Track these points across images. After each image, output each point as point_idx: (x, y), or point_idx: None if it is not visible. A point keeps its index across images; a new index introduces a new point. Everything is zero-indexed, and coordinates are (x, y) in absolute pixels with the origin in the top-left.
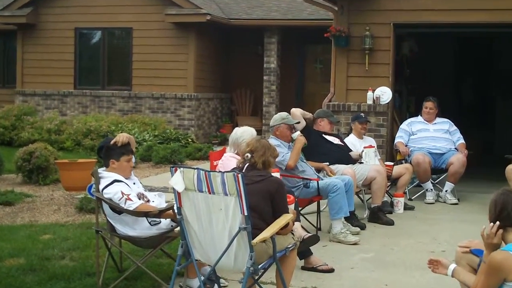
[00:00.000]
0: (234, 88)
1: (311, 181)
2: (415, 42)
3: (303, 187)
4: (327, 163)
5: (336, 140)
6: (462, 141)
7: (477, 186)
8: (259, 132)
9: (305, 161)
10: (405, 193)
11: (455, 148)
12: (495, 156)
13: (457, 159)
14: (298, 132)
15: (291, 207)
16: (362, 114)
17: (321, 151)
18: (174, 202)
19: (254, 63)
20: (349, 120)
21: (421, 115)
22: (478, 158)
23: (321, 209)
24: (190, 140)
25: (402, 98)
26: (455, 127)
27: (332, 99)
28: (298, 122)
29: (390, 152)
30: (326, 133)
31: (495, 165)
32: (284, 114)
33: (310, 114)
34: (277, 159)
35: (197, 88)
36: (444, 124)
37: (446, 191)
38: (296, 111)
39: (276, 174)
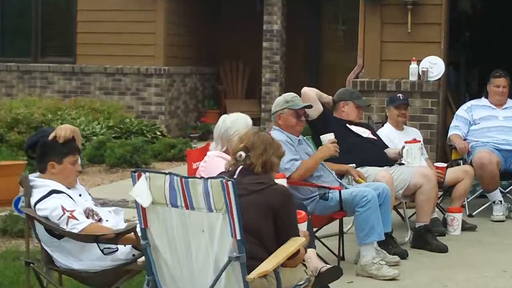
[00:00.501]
0: (221, 59)
1: (331, 191)
2: None
3: (320, 199)
4: (353, 165)
5: (366, 133)
6: None
7: None
8: (256, 121)
9: (322, 162)
10: (463, 206)
11: None
12: None
13: None
14: (331, 136)
15: (303, 227)
16: (400, 95)
17: (345, 147)
18: (137, 222)
19: (250, 24)
20: (384, 104)
21: (486, 97)
22: None
23: (345, 230)
24: (159, 133)
25: (460, 73)
26: None
27: (359, 75)
28: (310, 106)
29: (442, 149)
30: (351, 123)
31: None
32: (289, 95)
33: (330, 97)
34: (281, 165)
35: (169, 60)
36: None
37: None
38: (310, 91)
39: (282, 181)
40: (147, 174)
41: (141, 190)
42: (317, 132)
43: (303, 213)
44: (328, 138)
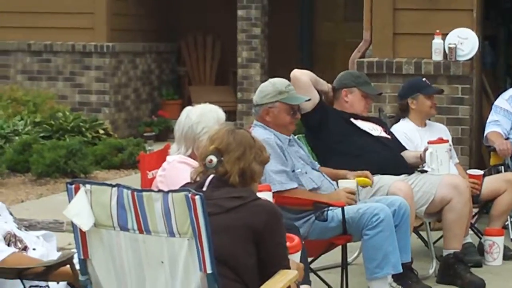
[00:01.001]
0: (184, 33)
1: (331, 208)
2: None
3: (316, 219)
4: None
5: (376, 130)
6: None
7: None
8: (231, 115)
9: (318, 169)
10: (505, 228)
11: None
12: None
13: None
14: (352, 184)
15: (295, 257)
16: (425, 79)
17: (350, 150)
18: (74, 251)
19: None
20: (398, 92)
21: None
22: None
23: (350, 260)
24: (102, 131)
25: (499, 51)
26: None
27: (366, 53)
28: (309, 99)
29: (477, 152)
30: (357, 116)
31: None
32: (281, 83)
33: (329, 85)
34: (268, 177)
35: (114, 34)
36: None
37: None
38: (302, 76)
39: (267, 195)
40: (88, 186)
41: (80, 208)
42: (311, 129)
43: (296, 238)
44: (345, 185)
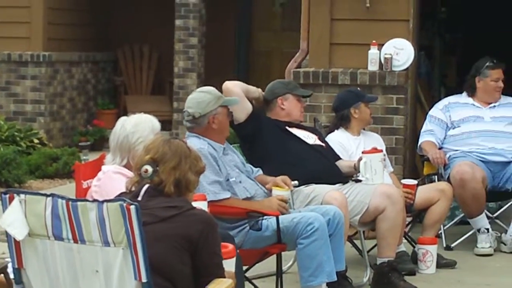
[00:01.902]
0: (121, 43)
1: (266, 217)
2: None
3: (250, 228)
4: (296, 182)
5: (311, 138)
6: None
7: None
8: (167, 124)
9: (252, 177)
10: (438, 237)
11: None
12: None
13: None
14: (285, 193)
15: (230, 265)
16: (359, 89)
17: (285, 158)
18: (8, 260)
19: None
20: (335, 103)
21: (469, 93)
22: None
23: (285, 269)
24: (37, 141)
25: (434, 61)
26: None
27: (303, 63)
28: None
29: (411, 161)
30: (292, 124)
31: None
32: (213, 89)
33: (259, 90)
34: (202, 187)
35: (50, 44)
36: (511, 108)
37: None
38: (234, 87)
39: (202, 205)
40: (22, 196)
41: (14, 217)
42: (246, 139)
43: (230, 246)
44: (278, 193)
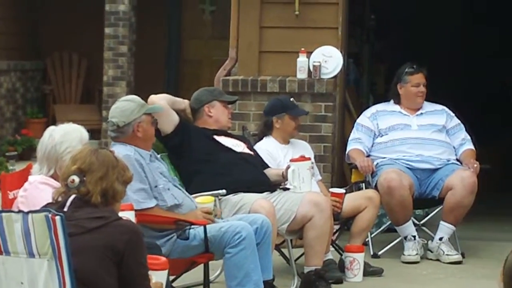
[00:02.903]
0: (50, 51)
1: (193, 226)
2: None
3: (178, 237)
4: (224, 191)
5: (240, 146)
6: (469, 146)
7: (498, 230)
8: (96, 133)
9: (179, 186)
10: (366, 244)
11: (457, 160)
12: None
13: (461, 181)
14: (209, 206)
15: (161, 277)
16: (293, 99)
17: (214, 168)
18: None
19: (88, 4)
20: (262, 111)
21: (395, 100)
22: (500, 178)
23: (212, 278)
24: None
25: (362, 68)
26: (457, 121)
27: (232, 71)
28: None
29: (339, 169)
30: (220, 132)
31: None
32: (136, 97)
33: (186, 102)
34: (128, 195)
35: None
36: (438, 116)
37: (440, 239)
38: (160, 101)
39: (129, 214)
40: None
41: None
42: (173, 150)
43: (162, 259)
44: (202, 205)
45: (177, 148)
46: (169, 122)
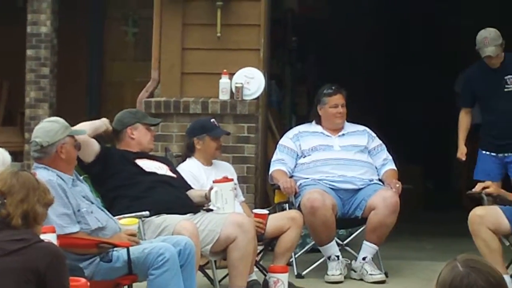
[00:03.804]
0: None
1: (116, 249)
2: None
3: (101, 260)
4: (147, 213)
5: (162, 169)
6: (391, 166)
7: (420, 249)
8: (18, 156)
9: (103, 207)
10: (290, 265)
11: (380, 180)
12: (452, 192)
13: (383, 200)
14: (133, 228)
15: None
16: (213, 120)
17: (135, 192)
18: None
19: (9, 25)
20: (185, 132)
21: (317, 121)
22: (422, 197)
23: None
24: None
25: (285, 89)
26: (378, 141)
27: (154, 92)
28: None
29: (262, 190)
30: (142, 155)
31: (452, 210)
32: (60, 119)
33: (106, 121)
34: (50, 220)
35: None
36: (360, 136)
37: (364, 259)
38: (81, 127)
39: (51, 237)
40: None
41: None
42: (96, 176)
43: (82, 280)
44: (127, 227)
45: (99, 175)
46: (90, 152)
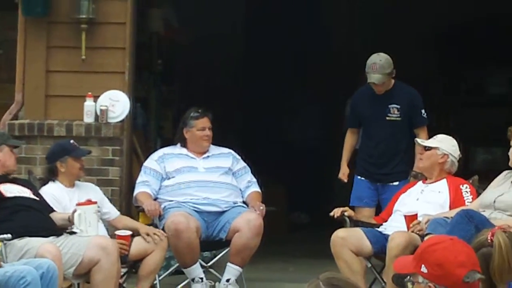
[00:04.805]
0: None
1: None
2: (174, 11)
3: None
4: (9, 236)
5: (24, 192)
6: (255, 188)
7: (283, 270)
8: None
9: None
10: (153, 287)
11: (244, 202)
12: (324, 213)
13: (247, 223)
14: None
15: None
16: (73, 141)
17: None
18: None
19: None
20: (46, 155)
21: (182, 144)
22: (289, 219)
23: None
24: None
25: (150, 112)
26: (243, 164)
27: (18, 115)
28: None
29: (127, 212)
30: (5, 179)
31: (323, 230)
32: None
33: None
34: None
35: None
36: (224, 158)
37: (228, 280)
38: None
39: None
40: None
41: None
42: None
43: None
44: None
45: None
46: None
